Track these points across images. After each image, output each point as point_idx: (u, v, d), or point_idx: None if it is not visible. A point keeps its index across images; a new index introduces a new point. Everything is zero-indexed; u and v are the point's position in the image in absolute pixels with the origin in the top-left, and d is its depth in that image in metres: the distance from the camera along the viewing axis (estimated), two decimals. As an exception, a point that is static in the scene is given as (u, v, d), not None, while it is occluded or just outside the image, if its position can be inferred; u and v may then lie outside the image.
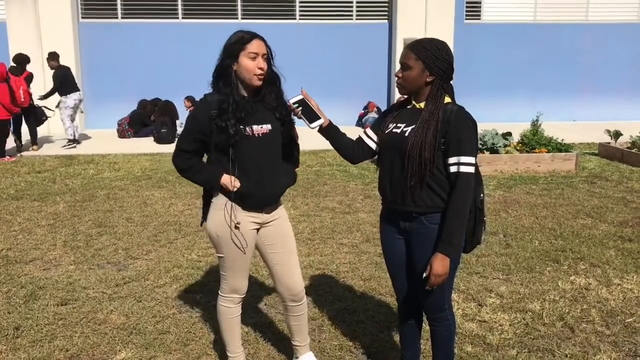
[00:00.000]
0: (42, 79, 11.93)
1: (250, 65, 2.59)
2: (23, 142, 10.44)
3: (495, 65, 14.03)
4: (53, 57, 10.63)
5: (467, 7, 13.89)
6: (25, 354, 3.31)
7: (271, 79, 2.70)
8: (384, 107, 13.13)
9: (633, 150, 8.83)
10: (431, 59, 2.45)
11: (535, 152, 8.41)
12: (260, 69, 2.61)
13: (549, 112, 12.18)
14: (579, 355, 3.27)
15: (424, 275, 2.48)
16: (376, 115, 12.14)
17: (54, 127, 12.04)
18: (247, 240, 2.77)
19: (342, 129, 2.79)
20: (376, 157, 2.75)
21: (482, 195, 2.59)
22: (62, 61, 10.81)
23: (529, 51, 14.04)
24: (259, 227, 2.81)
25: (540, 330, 3.55)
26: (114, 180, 7.94)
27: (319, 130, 2.70)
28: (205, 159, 2.81)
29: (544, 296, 4.04)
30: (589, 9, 14.19)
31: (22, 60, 10.40)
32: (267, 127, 2.69)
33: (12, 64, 10.38)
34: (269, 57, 2.67)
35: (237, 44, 2.60)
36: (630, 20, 14.32)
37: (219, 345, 3.33)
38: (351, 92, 13.62)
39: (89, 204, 6.70)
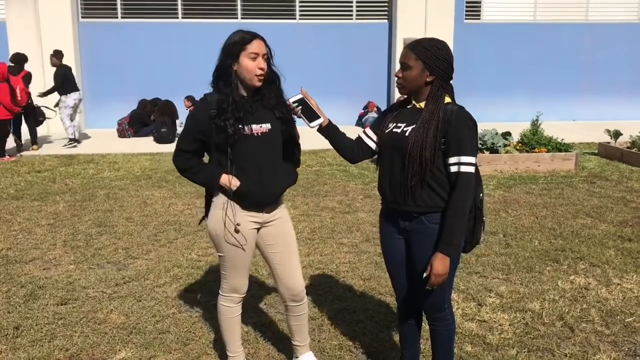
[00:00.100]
0: (41, 79, 11.93)
1: (250, 65, 2.59)
2: (23, 142, 10.43)
3: (495, 65, 14.03)
4: (57, 55, 10.64)
5: (466, 6, 13.89)
6: (25, 354, 3.31)
7: (271, 78, 2.70)
8: (383, 107, 13.12)
9: (633, 150, 8.83)
10: (431, 59, 2.45)
11: (535, 152, 8.42)
12: (261, 69, 2.61)
13: (549, 111, 12.19)
14: (579, 354, 3.27)
15: (425, 275, 2.49)
16: (376, 115, 12.15)
17: (53, 126, 12.03)
18: (246, 239, 2.77)
19: (342, 128, 2.79)
20: (376, 156, 2.75)
21: (481, 195, 2.59)
22: (63, 61, 10.81)
23: (528, 51, 14.04)
24: (259, 226, 2.81)
25: (540, 330, 3.55)
26: (113, 180, 7.94)
27: (318, 130, 2.70)
28: (206, 159, 2.81)
29: (543, 296, 4.05)
30: (589, 9, 14.19)
31: (19, 59, 10.39)
32: (266, 127, 2.69)
33: (10, 63, 10.37)
34: (268, 57, 2.68)
35: (237, 44, 2.60)
36: (630, 20, 14.32)
37: (219, 345, 3.34)
38: (351, 91, 13.62)
39: (88, 203, 6.70)
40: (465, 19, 13.92)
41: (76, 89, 10.90)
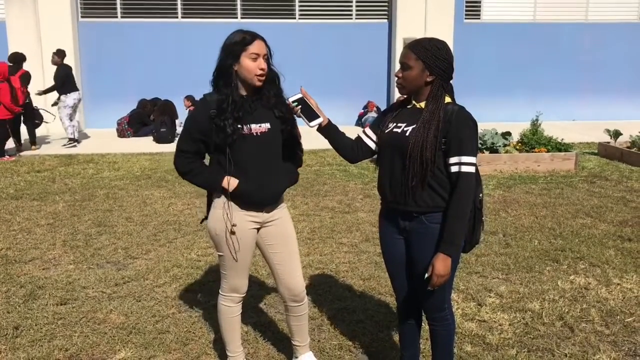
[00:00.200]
0: (41, 79, 11.92)
1: (251, 66, 2.60)
2: (22, 142, 10.42)
3: (494, 64, 14.03)
4: (60, 54, 10.64)
5: (466, 6, 13.89)
6: (25, 354, 3.30)
7: (270, 77, 2.71)
8: (383, 107, 13.12)
9: (632, 150, 8.83)
10: (431, 59, 2.45)
11: (535, 152, 8.42)
12: (262, 69, 2.61)
13: (549, 111, 12.19)
14: (579, 354, 3.27)
15: (426, 275, 2.48)
16: (375, 115, 12.14)
17: (53, 126, 12.01)
18: (246, 239, 2.77)
19: (342, 128, 2.79)
20: (375, 156, 2.75)
21: (481, 195, 2.59)
22: (64, 60, 10.81)
23: (528, 51, 14.03)
24: (259, 226, 2.81)
25: (539, 330, 3.55)
26: (113, 180, 7.94)
27: (318, 129, 2.70)
28: (207, 160, 2.80)
29: (543, 296, 4.04)
30: (589, 9, 14.19)
31: (17, 58, 10.38)
32: (265, 126, 2.69)
33: (8, 63, 10.35)
34: (268, 57, 2.68)
35: (238, 44, 2.59)
36: (630, 20, 14.32)
37: (219, 345, 3.33)
38: (351, 91, 13.62)
39: (88, 203, 6.70)
40: (465, 18, 13.92)
41: (76, 89, 10.91)
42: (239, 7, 13.50)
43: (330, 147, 2.78)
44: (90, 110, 13.32)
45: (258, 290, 4.17)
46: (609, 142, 9.58)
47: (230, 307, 2.91)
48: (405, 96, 2.65)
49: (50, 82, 11.03)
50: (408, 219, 2.56)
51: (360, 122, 13.27)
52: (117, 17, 13.34)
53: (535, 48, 14.05)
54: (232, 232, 2.72)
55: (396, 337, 3.41)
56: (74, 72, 11.02)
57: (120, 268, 4.66)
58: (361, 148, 2.74)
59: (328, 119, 2.70)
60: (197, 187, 2.89)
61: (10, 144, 9.96)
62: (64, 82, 10.61)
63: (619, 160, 8.93)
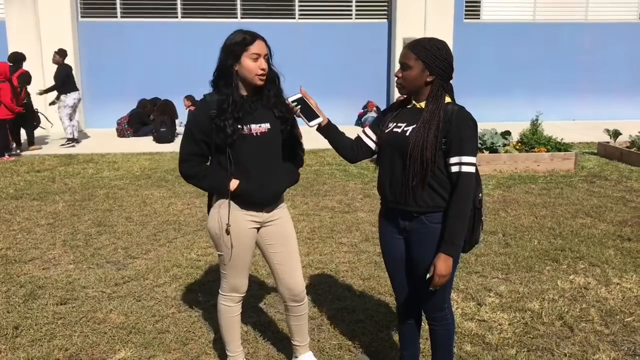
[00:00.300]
0: (41, 79, 11.92)
1: (252, 66, 2.60)
2: (21, 142, 10.41)
3: (494, 64, 14.04)
4: (61, 53, 10.64)
5: (466, 6, 13.89)
6: (25, 354, 3.30)
7: (271, 77, 2.71)
8: (383, 107, 13.13)
9: (632, 150, 8.84)
10: (431, 59, 2.45)
11: (535, 152, 8.42)
12: (262, 69, 2.62)
13: (549, 111, 12.19)
14: (578, 354, 3.27)
15: (428, 276, 2.49)
16: (375, 115, 12.14)
17: (53, 126, 12.03)
18: (246, 239, 2.77)
19: (341, 128, 2.79)
20: (375, 156, 2.75)
21: (480, 194, 2.59)
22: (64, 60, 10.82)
23: (528, 50, 14.04)
24: (259, 226, 2.81)
25: (539, 330, 3.55)
26: (113, 180, 7.94)
27: (317, 129, 2.70)
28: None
29: (543, 295, 4.05)
30: (589, 9, 14.20)
31: (17, 58, 10.37)
32: (265, 126, 2.69)
33: (9, 63, 10.35)
34: (269, 57, 2.68)
35: (239, 44, 2.60)
36: (630, 20, 14.33)
37: (219, 345, 3.34)
38: (350, 91, 13.62)
39: (88, 203, 6.70)
40: (465, 18, 13.92)
41: (76, 89, 10.91)
42: (238, 7, 13.50)
43: (329, 147, 2.78)
44: (90, 110, 13.31)
45: (258, 290, 4.17)
46: (608, 142, 9.58)
47: (230, 306, 2.91)
48: (405, 96, 2.65)
49: (50, 82, 11.02)
50: (408, 219, 2.57)
51: (359, 122, 13.27)
52: (116, 17, 13.34)
53: (535, 48, 14.05)
54: (227, 232, 2.72)
55: (396, 337, 3.41)
56: (73, 72, 11.02)
57: (120, 268, 4.66)
58: (361, 148, 2.74)
59: (328, 118, 2.70)
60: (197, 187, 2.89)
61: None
62: (64, 81, 10.61)
63: (618, 160, 8.94)
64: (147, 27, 13.31)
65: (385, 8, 13.90)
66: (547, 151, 8.41)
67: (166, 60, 13.31)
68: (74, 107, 10.89)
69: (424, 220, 2.52)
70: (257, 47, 2.60)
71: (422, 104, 2.52)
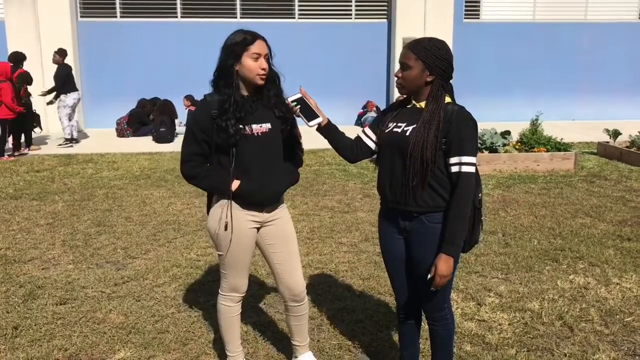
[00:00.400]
0: (40, 78, 11.91)
1: (253, 66, 2.60)
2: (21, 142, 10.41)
3: (494, 64, 14.04)
4: (61, 53, 10.63)
5: (466, 6, 13.89)
6: (24, 354, 3.30)
7: (271, 77, 2.71)
8: (383, 107, 13.13)
9: (632, 150, 8.84)
10: (431, 59, 2.45)
11: (534, 152, 8.42)
12: (263, 69, 2.62)
13: (548, 111, 12.19)
14: (578, 354, 3.27)
15: (429, 276, 2.48)
16: (375, 115, 12.13)
17: (52, 126, 12.04)
18: (246, 239, 2.77)
19: (341, 128, 2.79)
20: (375, 156, 2.74)
21: (480, 194, 2.59)
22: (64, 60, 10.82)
23: (528, 50, 14.04)
24: (259, 226, 2.81)
25: (539, 330, 3.55)
26: (112, 180, 7.93)
27: (317, 129, 2.70)
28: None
29: (543, 295, 4.05)
30: (588, 8, 14.20)
31: (17, 58, 10.36)
32: (266, 126, 2.69)
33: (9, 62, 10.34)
34: (269, 57, 2.68)
35: (239, 44, 2.59)
36: (629, 20, 14.33)
37: (218, 345, 3.33)
38: (350, 91, 13.62)
39: (87, 203, 6.70)
40: (465, 18, 13.92)
41: (75, 89, 10.91)
42: (238, 6, 13.50)
43: (329, 146, 2.77)
44: (90, 110, 13.31)
45: (258, 289, 4.17)
46: (608, 142, 9.59)
47: (229, 306, 2.91)
48: (405, 96, 2.65)
49: (50, 82, 11.01)
50: (408, 219, 2.56)
51: (359, 122, 13.27)
52: (116, 16, 13.33)
53: (535, 48, 14.06)
54: (225, 228, 2.71)
55: (396, 337, 3.41)
56: (73, 71, 11.01)
57: (120, 268, 4.65)
58: (361, 148, 2.73)
59: (327, 118, 2.70)
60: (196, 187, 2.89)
61: (9, 143, 9.95)
62: (65, 81, 10.61)
63: (618, 160, 8.94)
64: (147, 27, 13.30)
65: (385, 8, 13.90)
66: (547, 151, 8.41)
67: (166, 60, 13.30)
68: (74, 107, 10.89)
69: (424, 220, 2.51)
70: (257, 47, 2.60)
71: (422, 104, 2.52)
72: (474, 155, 2.44)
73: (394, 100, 2.82)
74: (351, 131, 3.22)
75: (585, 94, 14.29)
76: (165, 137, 11.32)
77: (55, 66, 10.71)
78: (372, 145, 2.71)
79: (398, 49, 13.13)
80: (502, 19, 14.01)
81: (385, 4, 13.87)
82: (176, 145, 10.54)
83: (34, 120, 10.67)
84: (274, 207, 2.82)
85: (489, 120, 11.99)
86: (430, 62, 2.45)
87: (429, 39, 2.53)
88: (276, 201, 2.82)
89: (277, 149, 2.76)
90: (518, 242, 5.17)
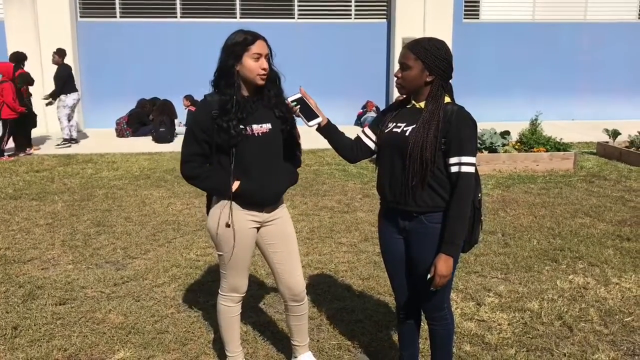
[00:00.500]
0: (40, 79, 11.90)
1: (253, 66, 2.60)
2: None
3: (493, 64, 14.04)
4: (60, 53, 10.62)
5: (465, 6, 13.89)
6: (24, 354, 3.30)
7: (271, 77, 2.71)
8: (382, 107, 13.13)
9: (631, 150, 8.84)
10: (430, 59, 2.45)
11: (534, 152, 8.42)
12: (264, 69, 2.62)
13: (548, 111, 12.18)
14: (578, 354, 3.27)
15: (429, 276, 2.49)
16: (374, 115, 12.14)
17: (51, 126, 12.03)
18: (246, 239, 2.77)
19: (341, 128, 2.79)
20: (375, 156, 2.75)
21: (479, 194, 2.59)
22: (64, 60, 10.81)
23: (527, 50, 14.04)
24: (259, 226, 2.81)
25: (538, 330, 3.55)
26: (112, 180, 7.93)
27: (317, 129, 2.70)
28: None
29: (542, 295, 4.05)
30: (588, 8, 14.20)
31: (18, 58, 10.35)
32: (266, 127, 2.69)
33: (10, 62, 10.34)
34: (269, 57, 2.68)
35: (240, 44, 2.59)
36: (629, 20, 14.34)
37: (218, 345, 3.33)
38: (350, 91, 13.62)
39: (87, 203, 6.69)
40: (464, 18, 13.92)
41: (75, 90, 10.90)
42: (237, 6, 13.50)
43: (329, 146, 2.78)
44: (89, 110, 13.31)
45: (257, 290, 4.17)
46: (607, 142, 9.59)
47: (229, 306, 2.91)
48: (404, 96, 2.65)
49: (49, 82, 11.00)
50: (408, 219, 2.56)
51: (359, 122, 13.27)
52: (116, 17, 13.33)
53: (534, 48, 14.06)
54: (227, 225, 2.71)
55: (395, 337, 3.41)
56: (72, 72, 11.00)
57: (119, 268, 4.65)
58: (360, 148, 2.74)
59: (327, 118, 2.70)
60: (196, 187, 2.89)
61: (10, 143, 9.93)
62: (66, 82, 10.60)
63: (617, 160, 8.94)
64: (147, 27, 13.30)
65: (385, 8, 13.90)
66: (547, 151, 8.41)
67: (165, 60, 13.30)
68: (73, 108, 10.89)
69: (424, 220, 2.52)
70: (258, 47, 2.60)
71: (422, 104, 2.52)
72: (474, 155, 2.44)
73: (394, 101, 2.82)
74: (351, 131, 3.22)
75: (584, 94, 14.30)
76: (165, 137, 11.32)
77: (55, 66, 10.70)
78: (372, 146, 2.71)
79: (397, 49, 13.13)
80: (502, 19, 14.01)
81: (385, 4, 13.87)
82: (176, 146, 10.54)
83: (34, 120, 10.65)
84: (274, 207, 2.82)
85: (488, 120, 11.99)
86: (429, 62, 2.45)
87: (428, 39, 2.53)
88: (276, 201, 2.82)
89: (277, 149, 2.76)
90: (517, 242, 5.18)
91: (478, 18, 14.05)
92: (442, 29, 12.80)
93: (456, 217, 2.43)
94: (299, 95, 2.65)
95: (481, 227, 2.64)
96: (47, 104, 10.85)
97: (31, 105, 10.38)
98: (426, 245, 2.52)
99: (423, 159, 2.43)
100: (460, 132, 2.41)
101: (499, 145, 8.43)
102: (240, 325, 3.14)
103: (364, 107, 13.51)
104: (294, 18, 13.71)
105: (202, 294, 4.12)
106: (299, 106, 2.63)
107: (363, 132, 2.76)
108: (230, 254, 2.77)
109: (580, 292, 4.11)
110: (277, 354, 3.31)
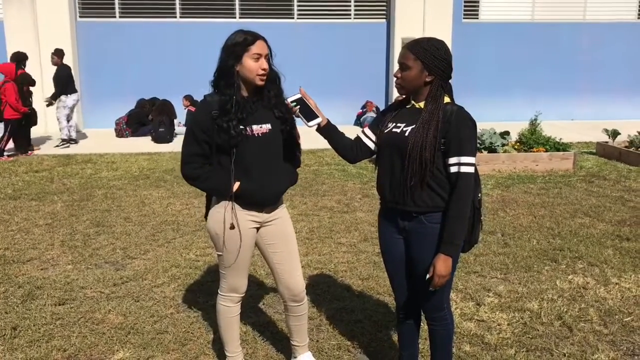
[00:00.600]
0: (39, 79, 11.89)
1: (253, 66, 2.60)
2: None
3: (493, 64, 14.04)
4: (59, 53, 10.61)
5: (465, 6, 13.89)
6: (23, 354, 3.30)
7: (271, 77, 2.71)
8: (382, 107, 13.13)
9: (631, 150, 8.84)
10: (430, 59, 2.45)
11: (533, 152, 8.42)
12: (264, 69, 2.61)
13: (547, 111, 12.18)
14: (577, 354, 3.27)
15: (427, 276, 2.48)
16: (374, 115, 12.14)
17: (51, 126, 12.02)
18: (246, 239, 2.77)
19: (340, 128, 2.79)
20: (374, 156, 2.74)
21: (479, 194, 2.59)
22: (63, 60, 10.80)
23: (527, 50, 14.04)
24: (258, 226, 2.81)
25: (538, 330, 3.55)
26: (111, 180, 7.93)
27: (317, 130, 2.70)
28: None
29: (542, 295, 4.05)
30: (587, 8, 14.20)
31: (19, 58, 10.35)
32: (266, 127, 2.69)
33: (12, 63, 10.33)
34: (269, 57, 2.68)
35: (240, 45, 2.59)
36: (628, 20, 14.34)
37: (217, 345, 3.33)
38: (349, 91, 13.61)
39: (86, 203, 6.69)
40: (464, 18, 13.92)
41: (75, 90, 10.90)
42: (237, 7, 13.49)
43: (329, 147, 2.77)
44: (89, 110, 13.30)
45: (257, 290, 4.17)
46: (607, 142, 9.59)
47: (229, 307, 2.91)
48: (404, 96, 2.65)
49: (49, 82, 10.99)
50: (407, 219, 2.56)
51: (358, 122, 13.27)
52: (115, 17, 13.32)
53: (534, 48, 14.06)
54: (232, 227, 2.71)
55: (395, 337, 3.40)
56: (72, 72, 11.00)
57: (119, 268, 4.65)
58: (360, 148, 2.73)
59: (327, 119, 2.70)
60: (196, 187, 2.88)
61: (9, 144, 9.92)
62: (66, 82, 10.59)
63: (617, 160, 8.94)
64: (146, 27, 13.29)
65: (384, 8, 13.90)
66: (546, 151, 8.41)
67: (165, 60, 13.29)
68: (73, 108, 10.88)
69: (423, 220, 2.52)
70: (258, 47, 2.60)
71: (421, 104, 2.52)
72: (473, 155, 2.44)
73: (393, 101, 2.82)
74: (350, 131, 3.22)
75: (584, 93, 14.30)
76: (164, 137, 11.31)
77: (55, 67, 10.70)
78: (372, 146, 2.71)
79: (397, 49, 13.13)
80: (501, 19, 14.01)
81: (384, 4, 13.87)
82: (175, 146, 10.54)
83: (35, 118, 10.64)
84: (274, 207, 2.82)
85: (488, 120, 11.98)
86: (429, 62, 2.45)
87: (427, 39, 2.53)
88: (276, 201, 2.82)
89: (277, 149, 2.76)
90: (517, 242, 5.18)
91: (477, 18, 14.05)
92: (441, 29, 12.79)
93: (455, 217, 2.43)
94: (298, 96, 2.65)
95: (481, 227, 2.64)
96: (47, 105, 10.85)
97: (31, 103, 10.38)
98: (426, 245, 2.52)
99: (422, 159, 2.42)
100: (460, 132, 2.41)
101: (498, 145, 8.43)
102: (240, 325, 3.14)
103: (364, 107, 13.51)
104: (293, 18, 13.71)
105: (202, 294, 4.12)
106: (298, 106, 2.63)
107: (363, 132, 2.76)
108: (236, 254, 2.76)
109: (580, 292, 4.11)
110: (276, 354, 3.30)
